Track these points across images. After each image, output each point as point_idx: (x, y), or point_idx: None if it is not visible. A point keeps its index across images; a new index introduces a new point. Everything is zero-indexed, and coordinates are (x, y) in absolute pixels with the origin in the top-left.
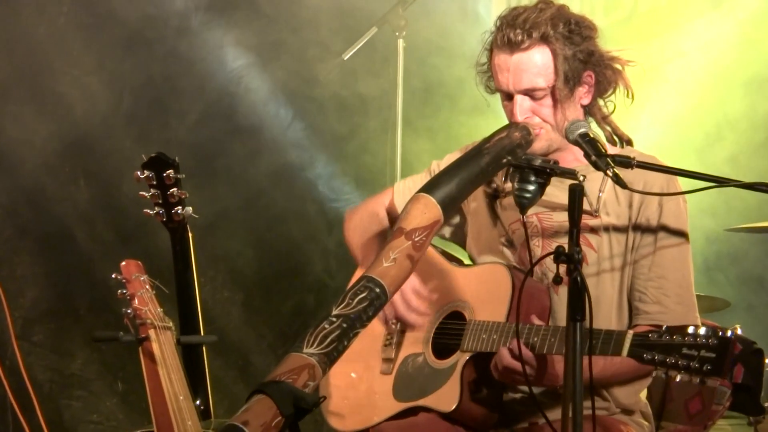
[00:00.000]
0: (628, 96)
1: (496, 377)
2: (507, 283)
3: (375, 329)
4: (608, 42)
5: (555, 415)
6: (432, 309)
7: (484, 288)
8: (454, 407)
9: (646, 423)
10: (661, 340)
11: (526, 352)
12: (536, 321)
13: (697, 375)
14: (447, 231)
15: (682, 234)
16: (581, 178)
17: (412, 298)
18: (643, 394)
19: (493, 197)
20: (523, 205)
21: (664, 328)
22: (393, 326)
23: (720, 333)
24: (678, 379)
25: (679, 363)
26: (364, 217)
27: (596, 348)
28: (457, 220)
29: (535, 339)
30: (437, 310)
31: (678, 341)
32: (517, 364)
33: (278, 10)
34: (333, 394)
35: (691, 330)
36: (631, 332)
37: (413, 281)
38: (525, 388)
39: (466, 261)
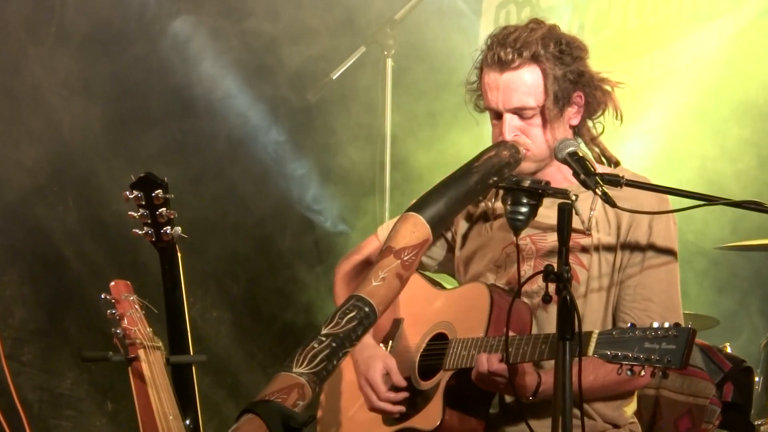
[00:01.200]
0: (617, 118)
1: (479, 386)
2: (485, 299)
3: None
4: (597, 60)
5: (542, 429)
6: (418, 333)
7: (463, 307)
8: (436, 425)
9: None
10: (623, 337)
11: (501, 365)
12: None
13: (658, 367)
14: (434, 264)
15: (670, 256)
16: (573, 198)
17: (380, 387)
18: (631, 410)
19: (484, 219)
20: (516, 227)
21: (629, 326)
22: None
23: (680, 325)
24: (642, 373)
25: (641, 357)
26: (353, 273)
27: (544, 353)
28: (442, 252)
29: (511, 349)
30: (423, 333)
31: (640, 335)
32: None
33: (266, 26)
34: (329, 423)
35: (655, 325)
36: (596, 332)
37: (386, 362)
38: (512, 402)
39: (449, 286)
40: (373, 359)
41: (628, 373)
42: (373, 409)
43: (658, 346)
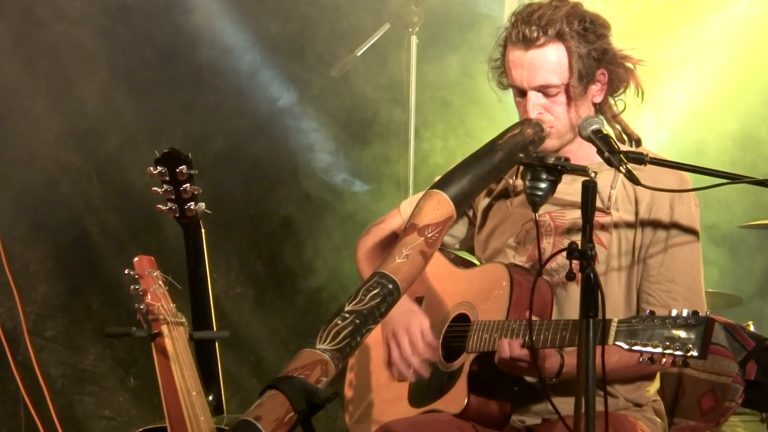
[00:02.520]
0: (638, 95)
1: (502, 369)
2: (505, 280)
3: None
4: (621, 37)
5: (567, 409)
6: (439, 313)
7: (484, 288)
8: (462, 408)
9: (658, 419)
10: (642, 325)
11: (522, 351)
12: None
13: (680, 357)
14: (455, 242)
15: (692, 237)
16: (593, 175)
17: (419, 340)
18: (654, 388)
19: (504, 196)
20: (535, 203)
21: (647, 313)
22: None
23: (699, 314)
24: (663, 362)
25: (660, 347)
26: (377, 248)
27: (565, 339)
28: (464, 229)
29: (542, 333)
30: (444, 314)
31: (659, 324)
32: (514, 358)
33: (288, 4)
34: (356, 401)
35: (674, 313)
36: (615, 320)
37: (423, 322)
38: (537, 383)
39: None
40: (413, 314)
41: (648, 362)
42: (404, 359)
43: (678, 336)
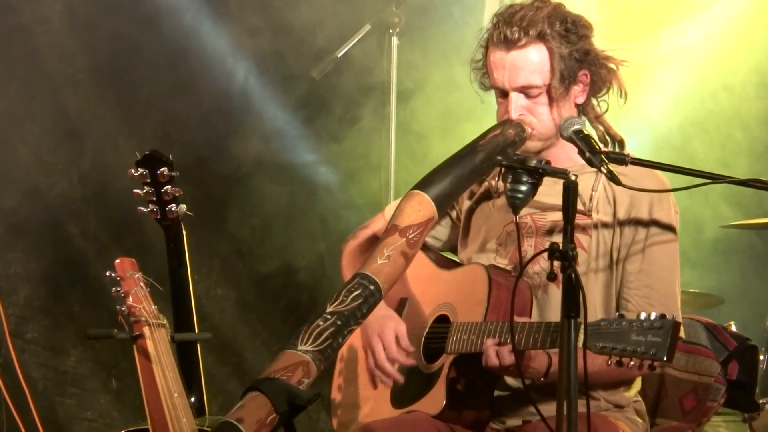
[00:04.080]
0: (621, 96)
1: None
2: (483, 282)
3: None
4: (603, 38)
5: (547, 411)
6: (422, 314)
7: (463, 290)
8: (440, 409)
9: (640, 420)
10: (611, 328)
11: (510, 357)
12: (519, 318)
13: (645, 359)
14: (438, 244)
15: (671, 243)
16: (573, 178)
17: (392, 345)
18: (635, 389)
19: (486, 198)
20: (515, 206)
21: (616, 316)
22: None
23: (666, 317)
24: (630, 364)
25: (628, 349)
26: (360, 250)
27: (555, 341)
28: (447, 231)
29: (521, 336)
30: (426, 315)
31: (626, 327)
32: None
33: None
34: (343, 405)
35: (642, 316)
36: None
37: (398, 327)
38: (517, 384)
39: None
40: (388, 320)
41: (616, 364)
42: (378, 366)
43: (644, 339)
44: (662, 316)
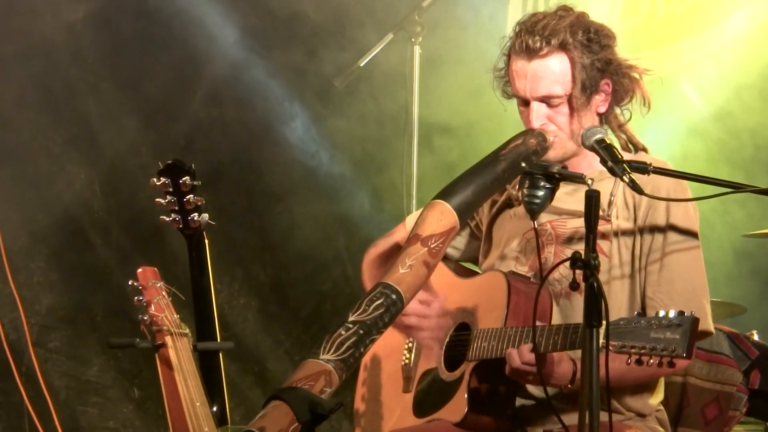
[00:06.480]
0: (644, 105)
1: (515, 379)
2: (503, 288)
3: (396, 349)
4: (625, 48)
5: (570, 420)
6: (443, 323)
7: (484, 297)
8: (462, 417)
9: (662, 429)
10: (630, 327)
11: (530, 356)
12: (539, 323)
13: (664, 356)
14: (458, 254)
15: (691, 238)
16: (589, 182)
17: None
18: (657, 399)
19: (507, 207)
20: (533, 211)
21: (635, 314)
22: (410, 344)
23: (684, 314)
24: (650, 362)
25: (647, 347)
26: (381, 259)
27: (575, 342)
28: (466, 241)
29: (541, 339)
30: (448, 323)
31: (645, 325)
32: (524, 367)
33: (292, 18)
34: (367, 415)
35: (661, 314)
36: (603, 323)
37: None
38: (539, 393)
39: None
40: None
41: (636, 363)
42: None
43: (663, 336)
44: (681, 313)
